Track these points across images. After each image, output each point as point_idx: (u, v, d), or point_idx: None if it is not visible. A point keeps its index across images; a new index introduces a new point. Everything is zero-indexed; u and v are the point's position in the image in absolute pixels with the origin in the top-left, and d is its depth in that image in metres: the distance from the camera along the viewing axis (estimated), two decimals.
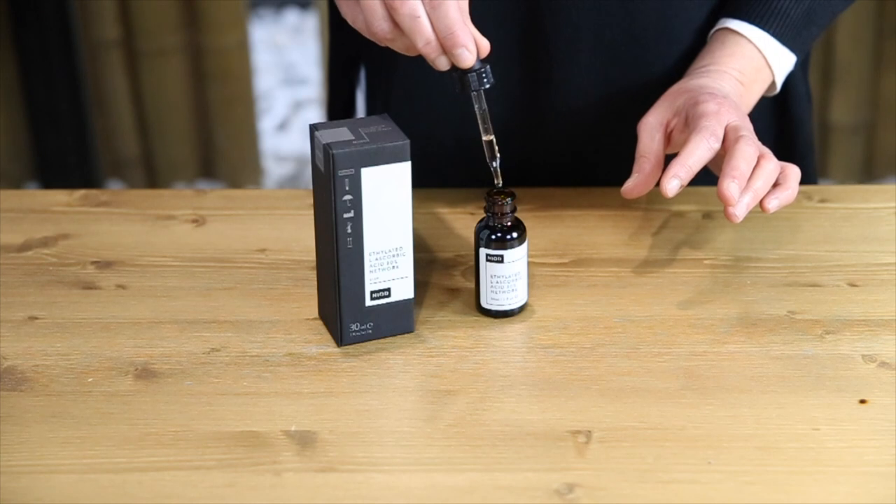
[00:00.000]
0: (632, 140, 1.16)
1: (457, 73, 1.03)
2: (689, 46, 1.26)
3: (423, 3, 1.00)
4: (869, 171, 2.95)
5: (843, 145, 2.91)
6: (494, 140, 1.06)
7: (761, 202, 1.08)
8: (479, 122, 1.05)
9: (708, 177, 1.15)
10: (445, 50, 1.01)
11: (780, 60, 1.22)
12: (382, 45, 1.04)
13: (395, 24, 1.01)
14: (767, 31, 1.21)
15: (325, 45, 2.86)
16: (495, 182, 1.08)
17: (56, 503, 0.91)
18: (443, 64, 1.02)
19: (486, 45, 1.03)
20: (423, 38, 1.01)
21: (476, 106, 1.05)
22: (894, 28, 2.82)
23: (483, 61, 1.03)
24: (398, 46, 1.03)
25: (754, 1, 1.21)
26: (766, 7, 1.21)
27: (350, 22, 1.05)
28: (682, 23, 1.26)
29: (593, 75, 1.26)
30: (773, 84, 1.23)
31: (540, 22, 1.24)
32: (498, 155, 1.07)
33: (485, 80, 1.03)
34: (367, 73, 1.38)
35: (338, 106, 1.41)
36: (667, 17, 1.25)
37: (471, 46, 1.01)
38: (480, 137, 1.06)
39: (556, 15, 1.24)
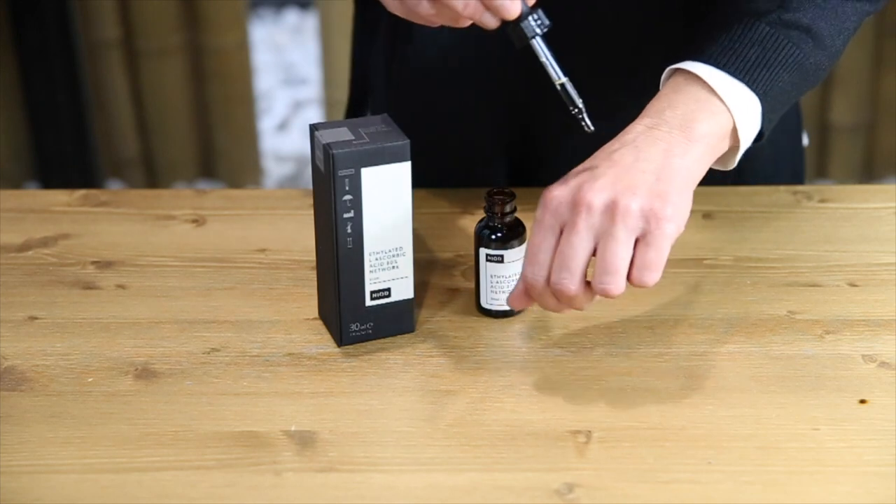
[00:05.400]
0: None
1: (510, 28, 1.00)
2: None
3: None
4: (869, 171, 2.95)
5: (843, 145, 2.91)
6: (568, 83, 1.02)
7: (632, 282, 0.98)
8: (548, 71, 1.02)
9: (709, 176, 1.15)
10: (486, 6, 0.99)
11: (710, 74, 1.06)
12: (429, 24, 1.02)
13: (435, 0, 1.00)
14: (696, 58, 1.08)
15: (325, 45, 2.88)
16: (584, 128, 1.02)
17: (56, 503, 0.91)
18: (490, 21, 1.00)
19: None
20: (462, 0, 0.99)
21: (540, 55, 1.01)
22: (894, 28, 2.82)
23: (532, 7, 1.00)
24: (444, 19, 1.01)
25: (702, 42, 1.10)
26: (709, 45, 1.09)
27: (391, 10, 1.03)
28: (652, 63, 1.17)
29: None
30: (717, 96, 1.06)
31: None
32: (578, 100, 1.02)
33: (538, 25, 1.00)
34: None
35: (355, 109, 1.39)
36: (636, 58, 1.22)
37: None
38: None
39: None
